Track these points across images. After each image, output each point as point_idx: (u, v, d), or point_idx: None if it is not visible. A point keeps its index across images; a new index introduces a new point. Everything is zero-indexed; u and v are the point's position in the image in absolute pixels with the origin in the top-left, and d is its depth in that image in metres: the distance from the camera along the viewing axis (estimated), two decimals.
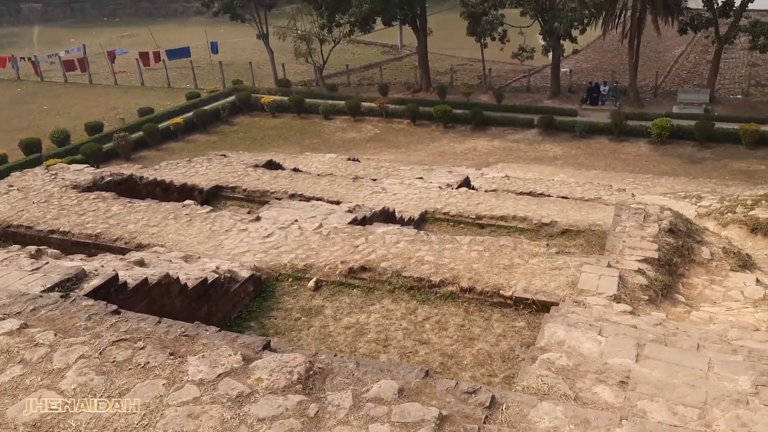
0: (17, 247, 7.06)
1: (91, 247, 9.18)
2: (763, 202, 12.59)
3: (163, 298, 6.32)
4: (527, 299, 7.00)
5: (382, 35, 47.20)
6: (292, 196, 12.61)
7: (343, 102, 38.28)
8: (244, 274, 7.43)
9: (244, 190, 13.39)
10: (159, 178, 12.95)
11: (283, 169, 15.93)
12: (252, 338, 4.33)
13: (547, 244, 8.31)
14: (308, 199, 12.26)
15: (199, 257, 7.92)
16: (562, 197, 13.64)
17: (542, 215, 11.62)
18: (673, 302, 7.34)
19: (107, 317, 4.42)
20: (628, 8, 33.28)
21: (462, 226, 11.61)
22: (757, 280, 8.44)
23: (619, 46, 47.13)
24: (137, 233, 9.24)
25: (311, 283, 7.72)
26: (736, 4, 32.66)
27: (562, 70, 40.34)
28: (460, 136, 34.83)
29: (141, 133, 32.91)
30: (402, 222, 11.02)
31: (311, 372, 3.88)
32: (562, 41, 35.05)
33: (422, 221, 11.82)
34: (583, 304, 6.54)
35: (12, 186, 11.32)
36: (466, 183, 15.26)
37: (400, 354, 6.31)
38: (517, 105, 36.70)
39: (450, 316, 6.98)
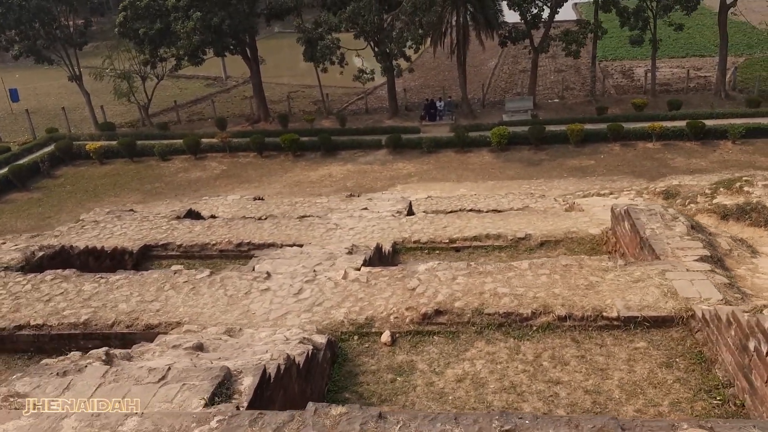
0: (77, 354, 5.33)
1: (80, 338, 7.40)
2: (721, 189, 13.23)
3: (288, 385, 5.20)
4: (636, 317, 6.55)
5: (204, 68, 45.45)
6: (239, 245, 11.21)
7: (180, 140, 36.03)
8: (321, 339, 6.31)
9: (179, 246, 11.80)
10: (90, 246, 11.10)
11: (203, 218, 14.31)
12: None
13: (609, 257, 7.97)
14: (258, 246, 10.96)
15: (240, 330, 6.48)
16: (494, 210, 13.73)
17: (514, 230, 11.40)
18: (748, 297, 7.23)
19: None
20: (452, 26, 35.20)
21: (437, 252, 11.04)
22: None
23: (440, 63, 50.15)
24: (137, 313, 7.57)
25: (385, 338, 6.75)
26: (544, 17, 36.02)
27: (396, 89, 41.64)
28: (312, 164, 34.37)
29: None
30: (383, 256, 10.19)
31: None
32: (395, 61, 36.09)
33: (394, 253, 11.13)
34: None
35: None
36: (410, 209, 14.87)
37: (542, 400, 5.68)
38: (362, 128, 37.09)
39: (561, 348, 6.42)
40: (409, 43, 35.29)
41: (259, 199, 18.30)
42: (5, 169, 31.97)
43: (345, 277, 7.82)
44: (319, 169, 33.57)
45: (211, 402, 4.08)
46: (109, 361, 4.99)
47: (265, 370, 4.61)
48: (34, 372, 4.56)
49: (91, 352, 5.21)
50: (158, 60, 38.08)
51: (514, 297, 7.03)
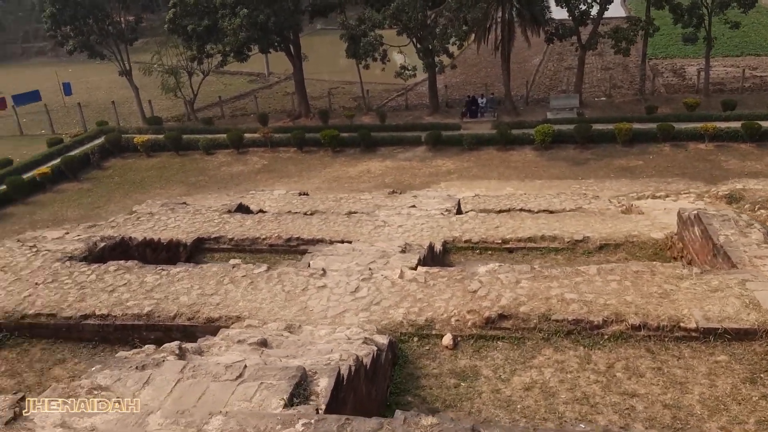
0: (152, 347, 5.46)
1: (143, 329, 7.53)
2: None
3: (358, 386, 5.20)
4: (716, 329, 6.29)
5: (248, 64, 46.13)
6: (288, 240, 11.36)
7: (224, 135, 36.53)
8: (382, 340, 6.25)
9: (231, 239, 12.05)
10: (147, 238, 11.37)
11: (252, 212, 14.53)
12: None
13: (683, 264, 7.80)
14: (306, 241, 11.08)
15: (300, 326, 6.57)
16: (546, 210, 13.52)
17: (571, 232, 11.15)
18: None
19: None
20: (497, 22, 34.80)
21: (489, 252, 10.93)
22: None
23: (483, 59, 49.67)
24: (198, 306, 7.67)
25: (447, 341, 6.65)
26: (593, 14, 35.31)
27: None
28: (351, 160, 34.43)
29: (3, 187, 29.09)
30: (435, 255, 10.09)
31: None
32: (438, 57, 35.88)
33: (444, 252, 11.05)
34: None
35: None
36: (459, 207, 14.75)
37: (618, 413, 5.53)
38: (401, 124, 36.98)
39: (635, 359, 6.21)
40: (452, 40, 35.03)
41: (304, 194, 18.42)
42: (58, 160, 32.94)
43: (402, 276, 7.78)
44: (358, 164, 33.61)
45: (290, 403, 4.10)
46: (182, 355, 5.06)
47: (339, 372, 4.60)
48: (113, 365, 4.65)
49: (164, 345, 5.30)
50: (205, 56, 38.67)
51: (583, 303, 6.86)
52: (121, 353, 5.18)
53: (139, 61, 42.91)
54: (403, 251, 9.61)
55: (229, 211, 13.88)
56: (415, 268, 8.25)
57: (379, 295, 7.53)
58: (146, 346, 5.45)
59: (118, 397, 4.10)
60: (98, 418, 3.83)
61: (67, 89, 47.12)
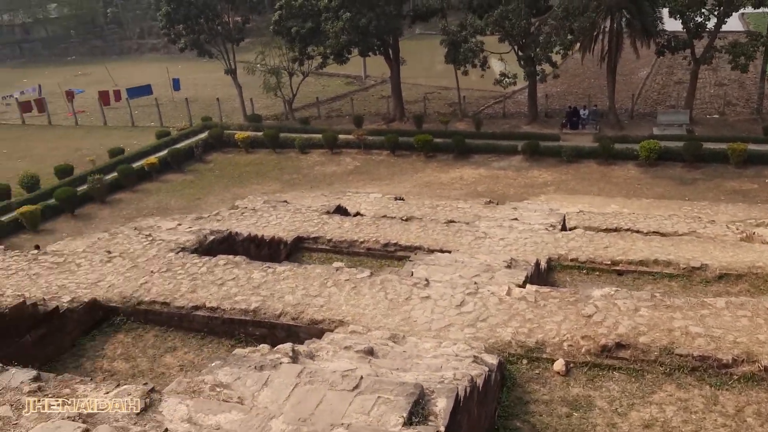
0: (266, 347, 5.54)
1: (249, 324, 7.67)
2: None
3: (471, 408, 4.99)
4: None
5: (344, 66, 47.02)
6: (386, 246, 11.42)
7: (320, 135, 37.25)
8: (492, 360, 6.01)
9: (329, 240, 12.26)
10: (252, 234, 11.69)
11: (349, 214, 14.75)
12: None
13: None
14: (404, 248, 11.09)
15: (404, 337, 6.56)
16: (656, 232, 12.79)
17: (687, 258, 10.51)
18: None
19: None
20: (605, 32, 33.51)
21: (597, 273, 10.46)
22: None
23: (586, 69, 47.93)
24: (302, 306, 7.78)
25: (559, 366, 6.35)
26: (709, 26, 33.29)
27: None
28: (444, 166, 34.17)
29: (115, 174, 31.07)
30: (540, 273, 9.82)
31: None
32: (540, 66, 35.01)
33: (549, 269, 10.69)
34: None
35: (111, 252, 9.64)
36: (564, 223, 14.17)
37: None
38: (497, 132, 36.33)
39: None
40: (556, 49, 34.08)
41: (399, 199, 18.38)
42: (165, 152, 34.77)
43: (509, 293, 7.50)
44: (450, 171, 33.30)
45: (408, 421, 3.96)
46: (295, 357, 5.06)
47: (457, 393, 4.42)
48: (233, 362, 4.70)
49: (278, 346, 5.31)
50: (306, 57, 39.63)
51: (710, 339, 6.33)
52: (238, 351, 5.24)
53: (243, 61, 44.60)
54: (508, 266, 9.29)
55: (328, 212, 14.04)
56: (522, 286, 7.93)
57: (485, 312, 7.26)
58: (261, 345, 5.48)
59: (239, 397, 4.12)
60: (223, 416, 3.85)
61: (176, 85, 49.69)
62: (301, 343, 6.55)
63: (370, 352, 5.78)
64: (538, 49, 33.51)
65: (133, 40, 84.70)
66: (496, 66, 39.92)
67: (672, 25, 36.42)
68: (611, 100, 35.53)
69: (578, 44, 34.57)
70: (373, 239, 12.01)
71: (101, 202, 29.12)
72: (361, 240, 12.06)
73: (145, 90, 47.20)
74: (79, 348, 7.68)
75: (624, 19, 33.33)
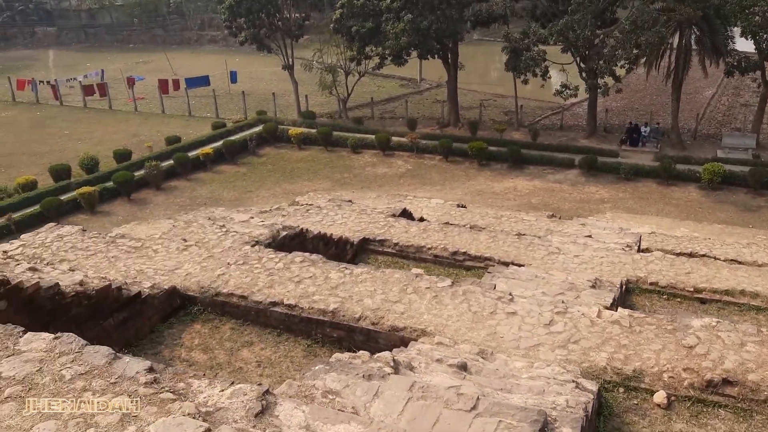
0: (366, 354, 5.37)
1: (327, 325, 7.56)
2: None
3: None
4: None
5: (401, 68, 46.96)
6: (454, 254, 11.24)
7: (372, 136, 37.19)
8: (592, 387, 5.73)
9: (395, 244, 12.16)
10: (320, 232, 11.69)
11: (413, 218, 14.62)
12: None
13: None
14: (473, 258, 10.89)
15: (492, 353, 6.37)
16: (733, 260, 12.24)
17: None
18: None
19: None
20: (673, 48, 32.57)
21: (678, 300, 10.00)
22: None
23: (649, 85, 46.80)
24: (382, 312, 7.60)
25: (660, 398, 6.06)
26: None
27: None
28: (497, 175, 33.70)
29: (171, 162, 31.64)
30: (620, 294, 9.44)
31: None
32: (602, 79, 34.24)
33: (627, 293, 10.25)
34: None
35: (187, 241, 9.73)
36: (640, 244, 13.61)
37: None
38: (554, 144, 35.67)
39: None
40: (620, 62, 33.26)
41: (461, 206, 18.14)
42: (220, 143, 35.24)
43: (599, 315, 7.18)
44: (503, 180, 32.81)
45: None
46: (396, 367, 4.88)
47: (582, 424, 4.18)
48: (339, 368, 4.57)
49: (378, 355, 5.16)
50: (363, 57, 39.67)
51: None
52: (338, 355, 5.10)
53: (301, 57, 44.95)
54: (593, 286, 8.95)
55: (393, 215, 13.90)
56: (609, 308, 7.60)
57: (577, 333, 6.96)
58: (360, 351, 5.35)
59: (353, 407, 3.97)
60: (342, 427, 3.70)
61: (233, 77, 50.45)
62: (380, 348, 6.39)
63: (464, 367, 5.58)
64: (601, 62, 32.73)
65: (193, 31, 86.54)
66: (556, 76, 39.28)
67: (743, 45, 35.20)
68: (674, 118, 34.51)
69: (643, 59, 33.66)
70: (441, 246, 11.80)
71: (156, 188, 29.68)
72: (429, 246, 11.86)
73: (203, 81, 48.01)
74: (158, 335, 7.70)
75: (693, 36, 32.34)
